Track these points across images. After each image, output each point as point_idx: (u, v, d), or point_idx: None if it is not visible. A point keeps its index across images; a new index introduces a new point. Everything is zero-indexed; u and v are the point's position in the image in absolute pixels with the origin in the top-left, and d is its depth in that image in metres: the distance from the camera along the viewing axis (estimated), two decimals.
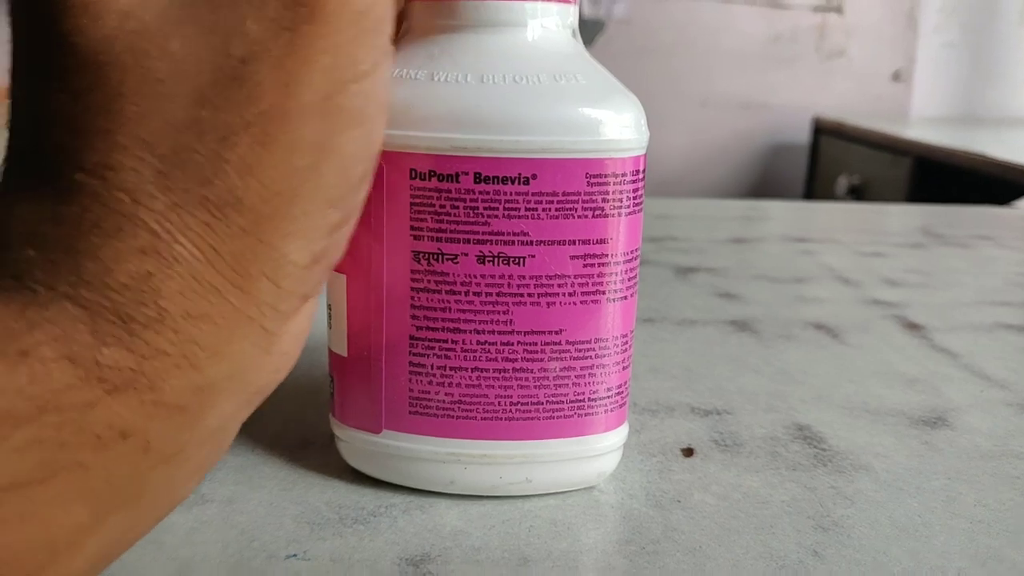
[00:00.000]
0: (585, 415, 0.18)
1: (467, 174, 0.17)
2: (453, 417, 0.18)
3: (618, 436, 0.19)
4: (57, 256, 0.12)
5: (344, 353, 0.18)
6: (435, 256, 0.17)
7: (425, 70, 0.17)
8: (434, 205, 0.17)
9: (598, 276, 0.18)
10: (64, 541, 0.11)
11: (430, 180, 0.17)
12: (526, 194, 0.17)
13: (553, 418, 0.18)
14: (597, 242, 0.17)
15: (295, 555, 0.17)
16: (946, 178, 1.11)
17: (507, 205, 0.17)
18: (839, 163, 1.37)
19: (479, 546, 0.17)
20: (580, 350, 0.18)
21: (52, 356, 0.11)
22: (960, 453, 0.22)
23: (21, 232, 0.12)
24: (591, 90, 0.18)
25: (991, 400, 0.26)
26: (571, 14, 0.18)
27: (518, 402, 0.18)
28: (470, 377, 0.18)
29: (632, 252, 0.18)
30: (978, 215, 0.59)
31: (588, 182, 0.17)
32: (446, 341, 0.17)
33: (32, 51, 0.12)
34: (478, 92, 0.17)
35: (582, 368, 0.18)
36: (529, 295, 0.17)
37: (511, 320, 0.17)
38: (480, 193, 0.17)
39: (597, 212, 0.17)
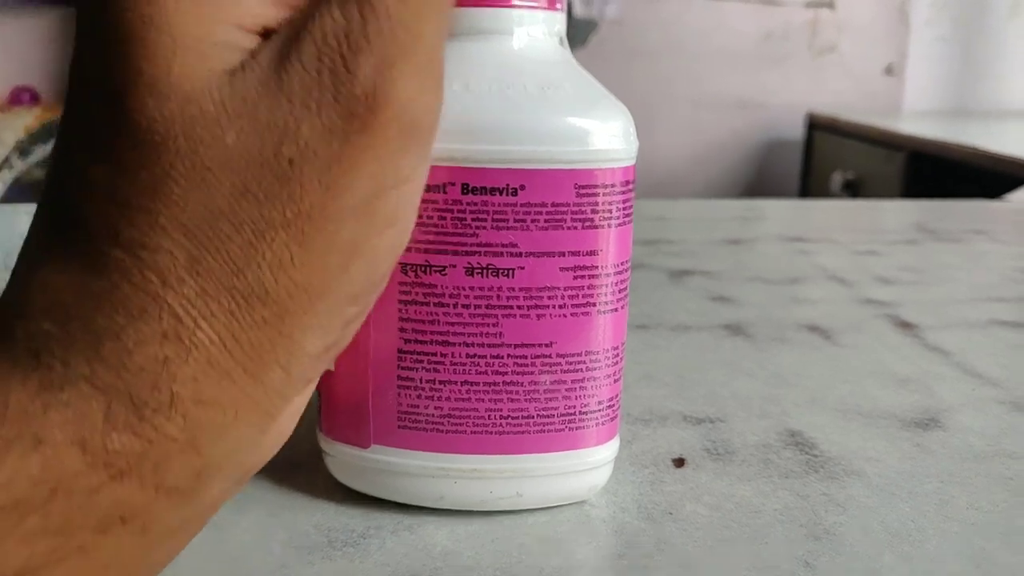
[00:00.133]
0: (576, 429, 0.18)
1: (454, 185, 0.17)
2: (443, 431, 0.18)
3: (609, 450, 0.19)
4: (77, 332, 0.12)
5: (331, 367, 0.18)
6: (423, 268, 0.17)
7: None
8: (421, 216, 0.17)
9: (588, 288, 0.18)
10: None
11: None
12: (514, 205, 0.17)
13: (544, 432, 0.18)
14: (587, 254, 0.17)
15: None
16: (940, 171, 1.11)
17: (495, 216, 0.17)
18: (834, 159, 1.37)
19: (470, 565, 0.17)
20: (571, 363, 0.18)
21: (63, 440, 0.11)
22: (953, 454, 0.22)
23: (44, 301, 0.12)
24: (579, 99, 0.17)
25: (983, 399, 0.26)
26: (558, 21, 0.18)
27: (508, 416, 0.18)
28: (460, 391, 0.17)
29: (623, 264, 0.18)
30: (971, 209, 0.59)
31: (577, 193, 0.17)
32: (435, 354, 0.17)
33: (86, 119, 0.13)
34: (464, 101, 0.17)
35: (573, 381, 0.18)
36: (519, 307, 0.17)
37: (501, 333, 0.17)
38: (468, 204, 0.17)
39: (587, 223, 0.17)
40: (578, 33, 1.39)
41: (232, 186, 0.12)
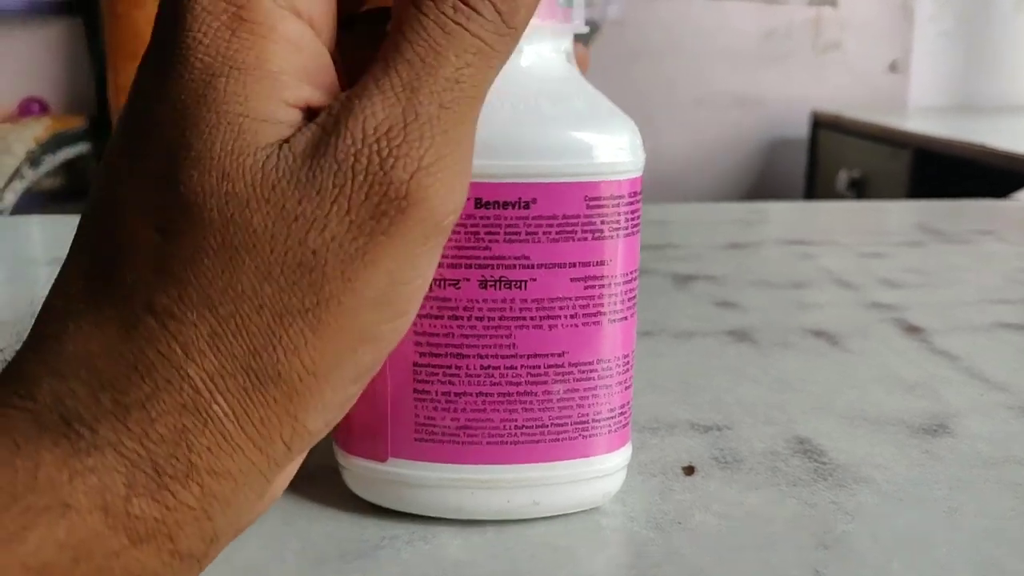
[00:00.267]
0: (590, 436, 0.18)
1: (467, 199, 0.17)
2: (459, 443, 0.18)
3: (622, 456, 0.19)
4: (107, 402, 0.12)
5: None
6: (437, 282, 0.17)
7: None
8: None
9: (599, 298, 0.18)
10: None
11: None
12: (526, 218, 0.17)
13: (558, 440, 0.18)
14: (597, 264, 0.18)
15: None
16: (946, 169, 1.11)
17: (508, 229, 0.17)
18: (839, 157, 1.37)
19: (483, 575, 0.17)
20: (583, 371, 0.18)
21: (88, 506, 0.12)
22: (961, 461, 0.23)
23: (76, 363, 0.12)
24: (588, 114, 0.18)
25: (991, 404, 0.26)
26: (566, 38, 0.18)
27: (523, 425, 0.18)
28: (475, 402, 0.18)
29: (631, 273, 0.18)
30: (977, 209, 0.59)
31: (587, 205, 0.17)
32: (450, 367, 0.18)
33: (143, 182, 0.13)
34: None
35: (585, 389, 0.18)
36: (531, 318, 0.17)
37: (514, 344, 0.17)
38: (481, 218, 0.17)
39: (596, 234, 0.17)
40: (579, 35, 1.39)
41: (256, 269, 0.12)
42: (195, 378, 0.12)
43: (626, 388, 0.19)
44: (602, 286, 0.18)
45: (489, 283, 0.17)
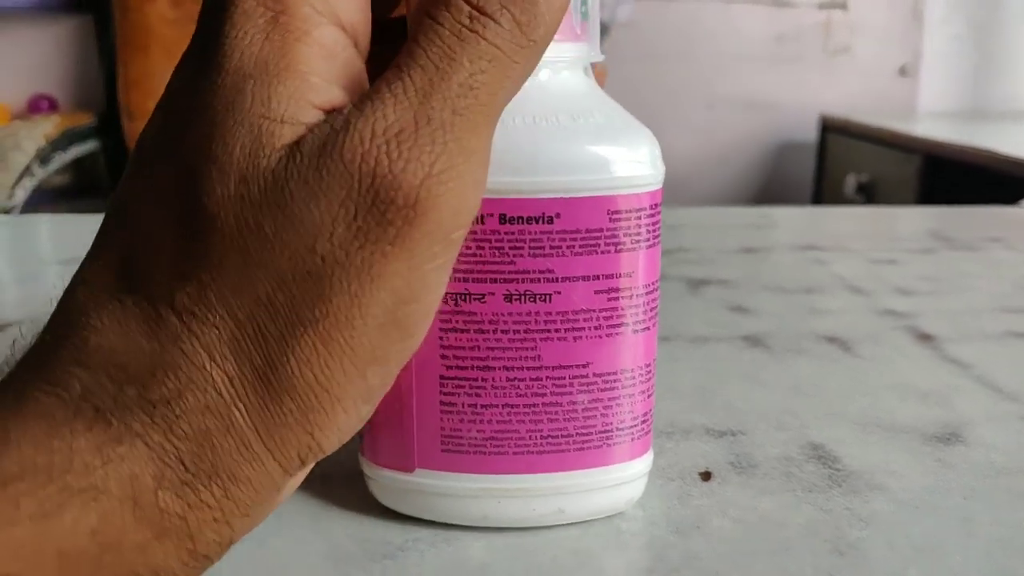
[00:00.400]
0: (613, 444, 0.19)
1: (492, 215, 0.17)
2: (486, 453, 0.18)
3: (644, 463, 0.20)
4: (132, 395, 0.12)
5: None
6: (463, 296, 0.18)
7: None
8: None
9: (621, 309, 0.18)
10: None
11: None
12: (550, 233, 0.18)
13: (583, 449, 0.19)
14: (619, 276, 0.18)
15: None
16: (955, 174, 1.11)
17: (532, 244, 0.17)
18: (847, 161, 1.37)
19: None
20: (606, 381, 0.18)
21: (119, 495, 0.12)
22: (975, 470, 0.23)
23: (102, 355, 0.13)
24: (608, 128, 0.18)
25: (1003, 413, 0.27)
26: (584, 53, 0.19)
27: (548, 435, 0.18)
28: (501, 413, 0.18)
29: (652, 284, 0.19)
30: (987, 216, 0.59)
31: (609, 218, 0.18)
32: (476, 379, 0.18)
33: (165, 184, 0.13)
34: (499, 135, 0.17)
35: (609, 399, 0.19)
36: (556, 330, 0.18)
37: (539, 356, 0.18)
38: (505, 233, 0.17)
39: (619, 247, 0.18)
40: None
41: (268, 275, 0.12)
42: (217, 381, 0.12)
43: (648, 396, 0.19)
44: (625, 297, 0.18)
45: (514, 297, 0.18)
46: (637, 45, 1.50)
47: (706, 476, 0.22)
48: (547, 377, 0.18)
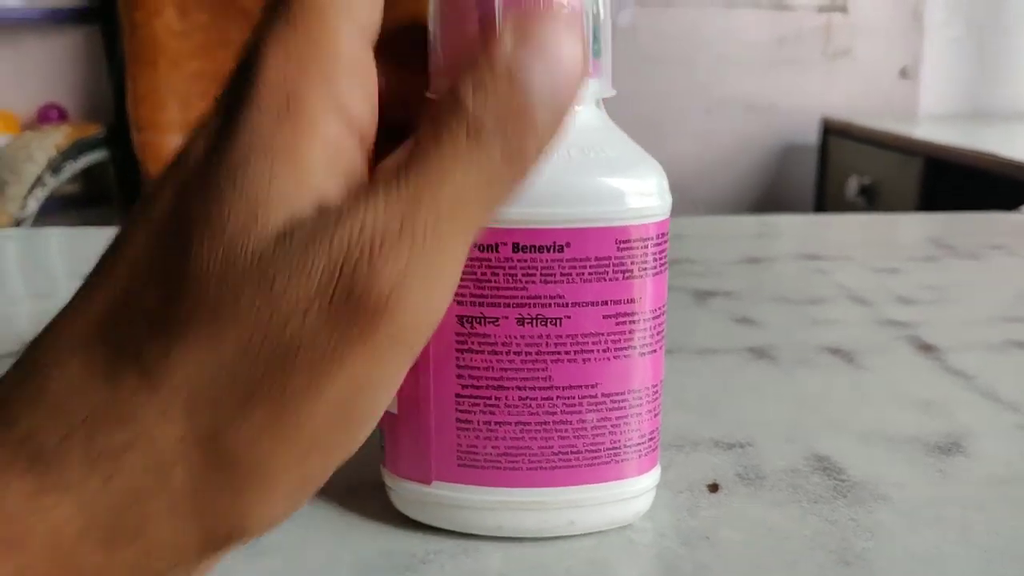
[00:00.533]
0: (621, 461, 0.20)
1: (506, 244, 0.18)
2: (500, 468, 0.19)
3: (651, 478, 0.21)
4: (76, 446, 0.12)
5: (394, 410, 0.20)
6: (478, 319, 0.19)
7: None
8: (475, 273, 0.18)
9: (629, 333, 0.19)
10: None
11: (472, 250, 0.18)
12: (561, 260, 0.18)
13: (592, 465, 0.19)
14: (627, 302, 0.19)
15: None
16: (957, 177, 1.11)
17: (543, 271, 0.18)
18: (849, 164, 1.37)
19: None
20: (615, 401, 0.19)
21: (40, 545, 0.12)
22: (976, 480, 0.24)
23: (57, 397, 0.13)
24: (618, 161, 0.19)
25: (1004, 424, 0.27)
26: (596, 89, 0.20)
27: (559, 452, 0.19)
28: (514, 431, 0.19)
29: (659, 308, 0.20)
30: (988, 222, 0.60)
31: (618, 247, 0.19)
32: (490, 398, 0.19)
33: (160, 246, 0.13)
34: None
35: (617, 418, 0.19)
36: (566, 353, 0.19)
37: (550, 376, 0.19)
38: (518, 261, 0.18)
39: (627, 274, 0.19)
40: None
41: (236, 343, 0.13)
42: (161, 441, 0.13)
43: (655, 415, 0.20)
44: (632, 322, 0.19)
45: (526, 320, 0.19)
46: (638, 49, 1.51)
47: (714, 488, 0.23)
48: (558, 397, 0.19)
